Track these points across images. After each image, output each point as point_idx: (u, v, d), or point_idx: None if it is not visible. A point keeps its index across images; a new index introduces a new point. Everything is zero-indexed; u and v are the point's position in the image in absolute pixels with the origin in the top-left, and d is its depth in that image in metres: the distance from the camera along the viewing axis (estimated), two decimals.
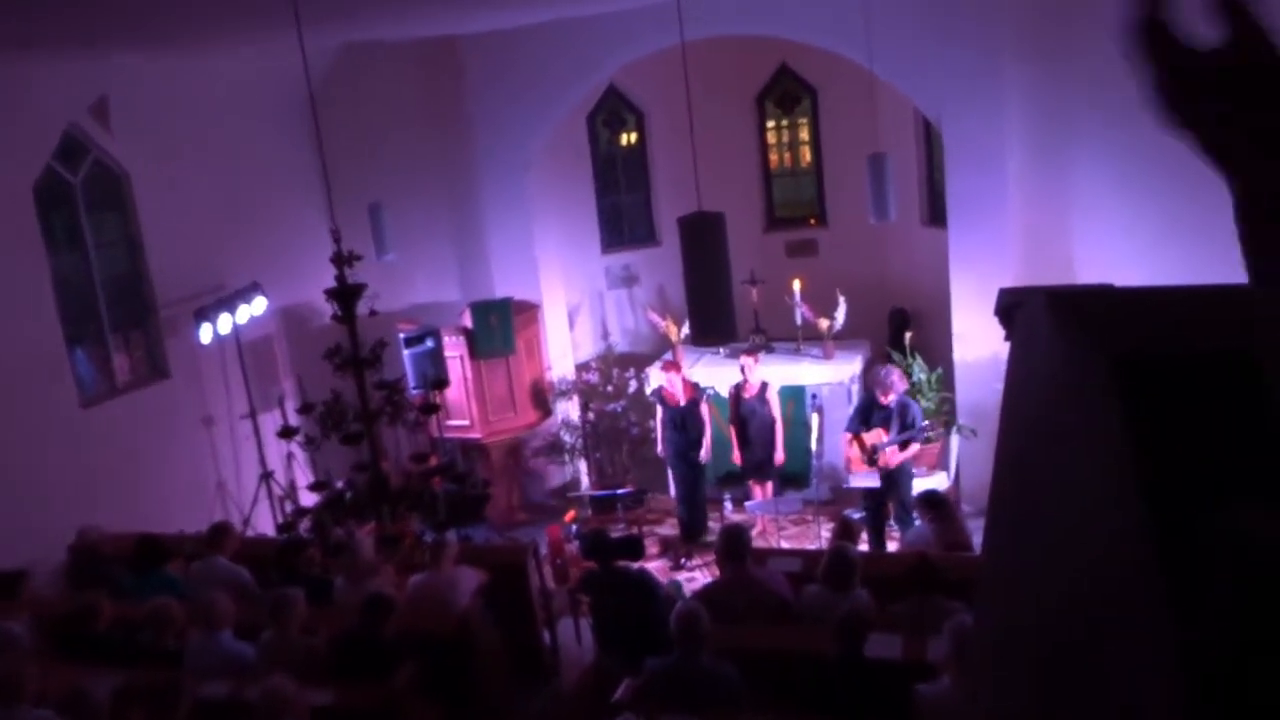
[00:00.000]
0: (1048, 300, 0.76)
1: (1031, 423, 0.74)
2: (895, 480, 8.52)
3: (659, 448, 9.61)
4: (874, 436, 8.54)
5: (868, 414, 8.60)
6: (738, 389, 9.40)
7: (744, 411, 9.33)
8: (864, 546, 8.19)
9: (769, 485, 9.46)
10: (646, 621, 6.30)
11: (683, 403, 9.25)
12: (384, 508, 5.73)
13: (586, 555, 7.35)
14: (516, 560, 7.32)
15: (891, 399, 8.39)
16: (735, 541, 6.02)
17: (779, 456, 9.29)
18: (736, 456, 9.51)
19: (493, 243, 10.59)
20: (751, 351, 9.48)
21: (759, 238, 12.06)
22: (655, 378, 9.52)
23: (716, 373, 10.13)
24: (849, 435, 8.69)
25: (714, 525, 9.72)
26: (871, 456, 8.55)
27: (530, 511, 10.62)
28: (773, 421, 9.27)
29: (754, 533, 9.41)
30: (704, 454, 9.35)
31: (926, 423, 8.69)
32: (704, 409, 9.25)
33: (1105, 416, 0.61)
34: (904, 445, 8.44)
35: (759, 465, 9.36)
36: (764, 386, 9.31)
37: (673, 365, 9.39)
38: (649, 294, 11.91)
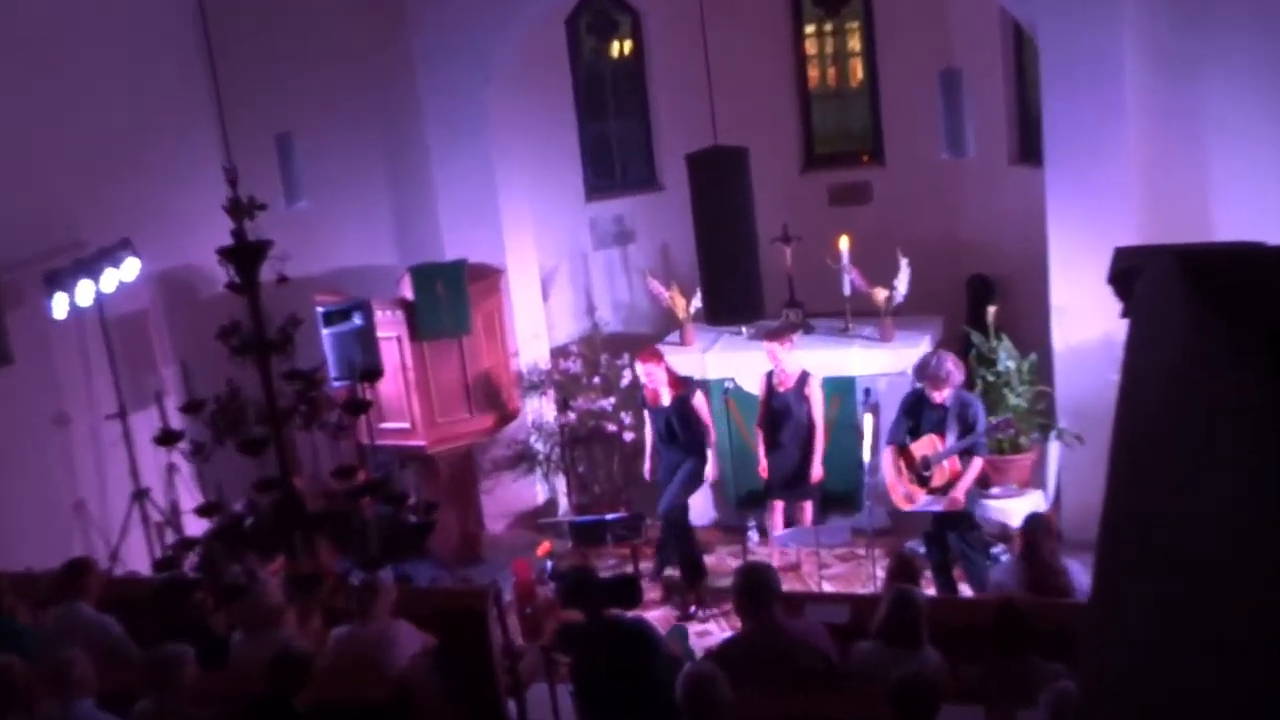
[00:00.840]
0: (1178, 264, 0.77)
1: (1157, 421, 0.75)
2: (956, 517, 8.54)
3: (646, 468, 9.64)
4: (925, 446, 8.57)
5: (915, 417, 8.63)
6: (770, 380, 9.43)
7: (776, 407, 9.36)
8: (929, 590, 8.25)
9: (807, 508, 9.49)
10: (645, 688, 6.29)
11: (665, 401, 9.25)
12: (297, 538, 5.74)
13: (566, 602, 7.33)
14: (472, 608, 7.34)
15: (947, 395, 8.41)
16: (759, 584, 6.04)
17: (817, 471, 9.32)
18: (763, 467, 9.56)
19: (441, 187, 10.58)
20: (780, 334, 9.47)
21: (794, 181, 12.04)
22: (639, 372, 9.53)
23: (737, 360, 10.13)
24: (891, 449, 8.74)
25: (734, 561, 9.75)
26: (922, 475, 8.57)
27: (491, 544, 10.62)
28: (812, 424, 9.31)
29: (778, 568, 9.48)
30: (710, 470, 9.33)
31: (994, 421, 8.67)
32: (700, 402, 9.27)
33: (1261, 411, 0.62)
34: (965, 458, 8.46)
35: (791, 480, 9.40)
36: (804, 377, 9.34)
37: (652, 355, 9.41)
38: (648, 256, 11.91)
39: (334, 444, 9.33)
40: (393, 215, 10.98)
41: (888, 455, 8.77)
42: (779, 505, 9.59)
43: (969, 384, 9.13)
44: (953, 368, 8.43)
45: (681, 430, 9.30)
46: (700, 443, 9.35)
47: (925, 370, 8.50)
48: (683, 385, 9.39)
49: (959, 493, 8.41)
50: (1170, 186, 8.87)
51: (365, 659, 6.44)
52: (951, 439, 8.40)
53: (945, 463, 8.45)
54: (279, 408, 5.80)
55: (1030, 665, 5.55)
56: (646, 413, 9.52)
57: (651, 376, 9.31)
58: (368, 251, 10.86)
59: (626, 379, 10.43)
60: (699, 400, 9.36)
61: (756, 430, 9.62)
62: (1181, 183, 8.86)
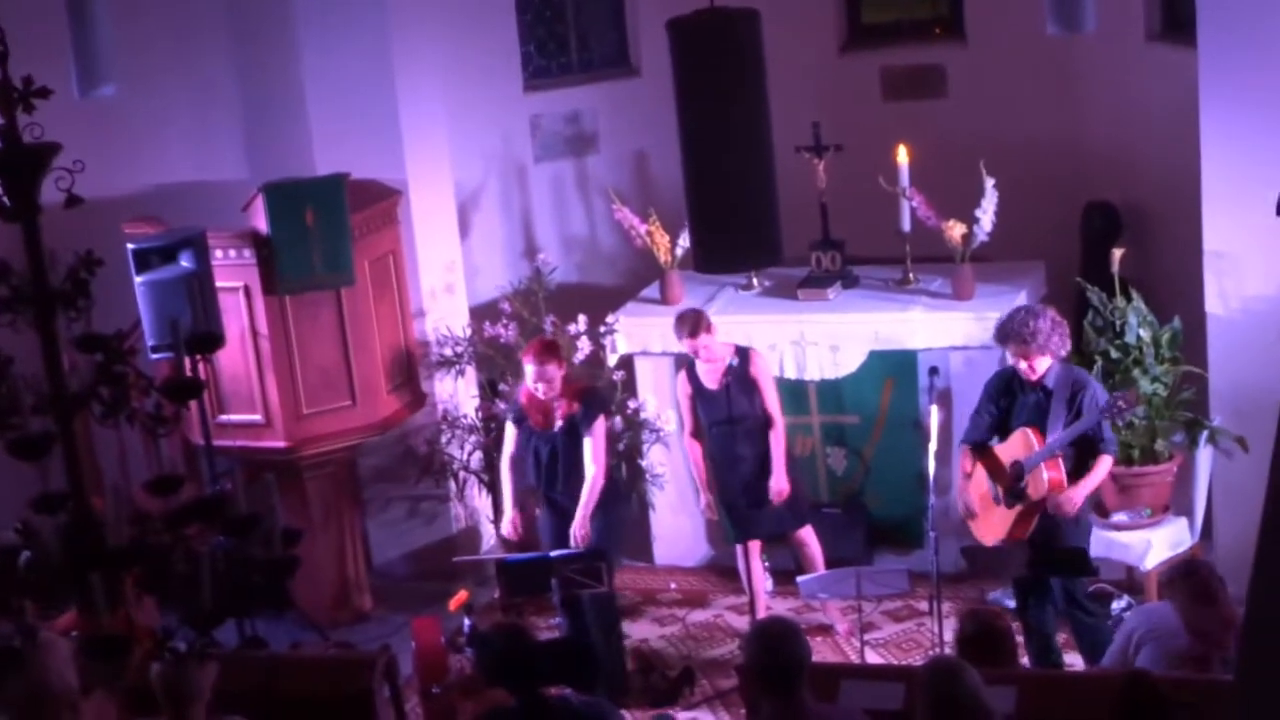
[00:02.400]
0: None
1: None
2: (1056, 533, 8.56)
3: (507, 522, 9.50)
4: (1017, 447, 8.59)
5: (1005, 407, 8.68)
6: (691, 375, 9.48)
7: (712, 411, 9.42)
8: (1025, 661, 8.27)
9: (809, 541, 9.56)
10: None
11: (559, 423, 9.13)
12: (94, 582, 5.70)
13: (492, 676, 7.31)
14: (353, 687, 7.32)
15: (1044, 369, 8.42)
16: (782, 655, 5.99)
17: (779, 483, 9.34)
18: (705, 503, 9.71)
19: (312, 69, 10.53)
20: (691, 322, 9.33)
21: (832, 63, 12.02)
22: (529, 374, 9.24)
23: (745, 326, 10.14)
24: (967, 452, 8.82)
25: (737, 618, 9.74)
26: (1014, 488, 8.58)
27: (381, 592, 10.62)
28: (768, 419, 9.38)
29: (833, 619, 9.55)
30: (577, 530, 9.08)
31: (1108, 400, 8.67)
32: (600, 429, 9.16)
33: None
34: (1080, 462, 8.49)
35: (764, 508, 9.44)
36: (743, 356, 9.36)
37: (544, 350, 9.11)
38: (615, 171, 11.88)
39: (151, 445, 9.27)
40: (241, 109, 10.92)
41: (962, 461, 8.79)
42: (755, 548, 9.57)
43: (1085, 363, 9.13)
44: (1048, 326, 8.39)
45: (564, 469, 9.16)
46: (614, 484, 9.35)
47: (1007, 329, 8.49)
48: (585, 397, 9.17)
49: (1075, 496, 8.40)
50: None
51: None
52: (1054, 435, 8.38)
53: (1045, 469, 8.42)
54: (68, 392, 5.74)
55: None
56: (515, 433, 9.32)
57: (544, 379, 9.00)
58: (203, 161, 10.81)
59: (583, 351, 10.41)
60: (600, 428, 9.23)
61: (688, 447, 9.71)
62: None
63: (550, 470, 9.22)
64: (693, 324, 9.28)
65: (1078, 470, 8.48)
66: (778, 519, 9.49)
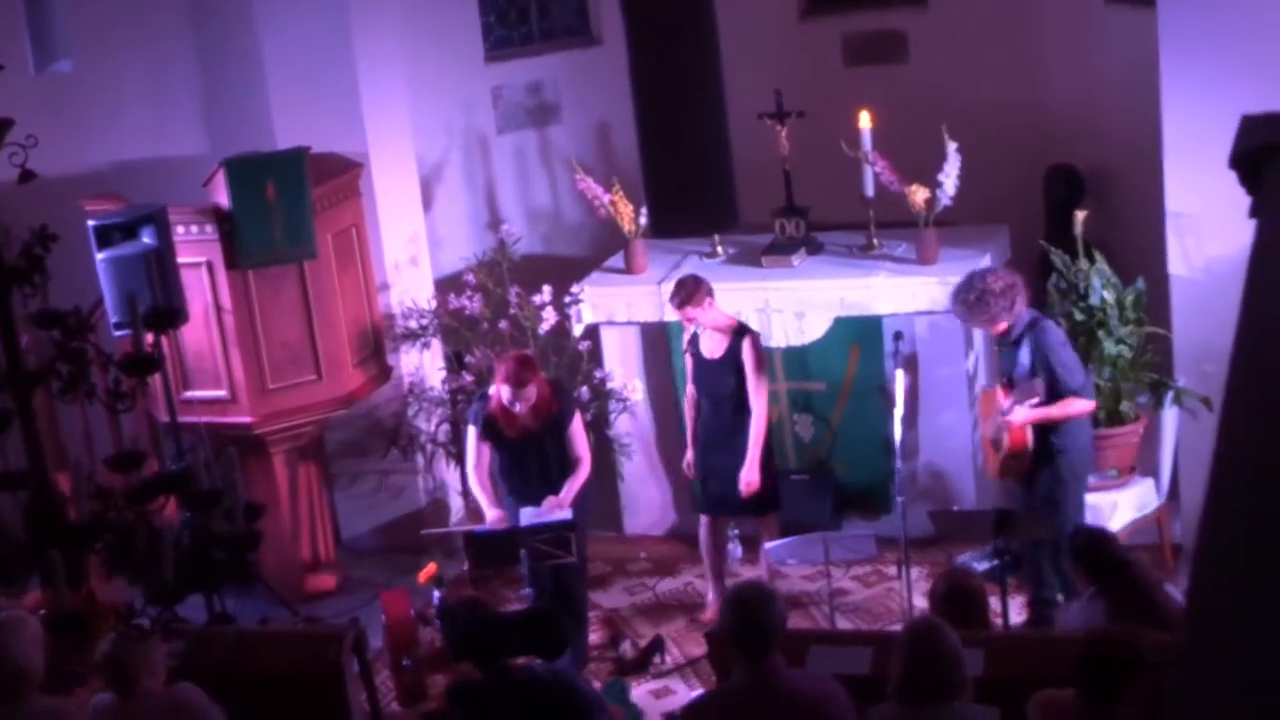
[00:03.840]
0: None
1: None
2: (1037, 489, 8.62)
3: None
4: (985, 401, 8.65)
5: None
6: (695, 346, 9.43)
7: (706, 384, 9.39)
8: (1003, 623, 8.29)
9: (770, 526, 9.56)
10: None
11: (537, 428, 8.91)
12: (55, 559, 5.67)
13: (457, 650, 7.30)
14: (321, 662, 7.33)
15: (1001, 327, 8.48)
16: (756, 619, 6.02)
17: (750, 475, 9.28)
18: (688, 463, 9.63)
19: (272, 41, 10.47)
20: (689, 292, 9.22)
21: (793, 28, 12.01)
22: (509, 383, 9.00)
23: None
24: (994, 393, 8.83)
25: (704, 585, 9.75)
26: (996, 438, 8.64)
27: (350, 566, 10.62)
28: (743, 402, 9.32)
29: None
30: (561, 498, 8.90)
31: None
32: (579, 421, 9.08)
33: None
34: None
35: (721, 492, 9.44)
36: (740, 334, 9.32)
37: (520, 370, 8.74)
38: (579, 141, 11.87)
39: (113, 421, 9.22)
40: (200, 84, 10.86)
41: (985, 402, 8.92)
42: (705, 522, 9.61)
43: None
44: (996, 290, 8.37)
45: (550, 472, 9.01)
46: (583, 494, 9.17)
47: (953, 297, 8.53)
48: (555, 396, 8.99)
49: (1016, 416, 8.41)
50: None
51: None
52: (1020, 389, 8.40)
53: (1015, 417, 8.42)
54: (25, 369, 5.70)
55: None
56: (481, 444, 9.06)
57: (511, 380, 8.74)
58: (162, 137, 10.76)
59: (548, 322, 10.38)
60: (579, 420, 9.12)
61: (688, 414, 9.64)
62: None
63: (529, 474, 9.04)
64: (684, 295, 9.22)
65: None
66: (743, 502, 9.44)
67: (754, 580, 8.92)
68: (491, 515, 8.99)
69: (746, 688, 6.03)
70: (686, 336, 9.51)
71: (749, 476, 9.26)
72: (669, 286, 9.39)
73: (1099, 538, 7.52)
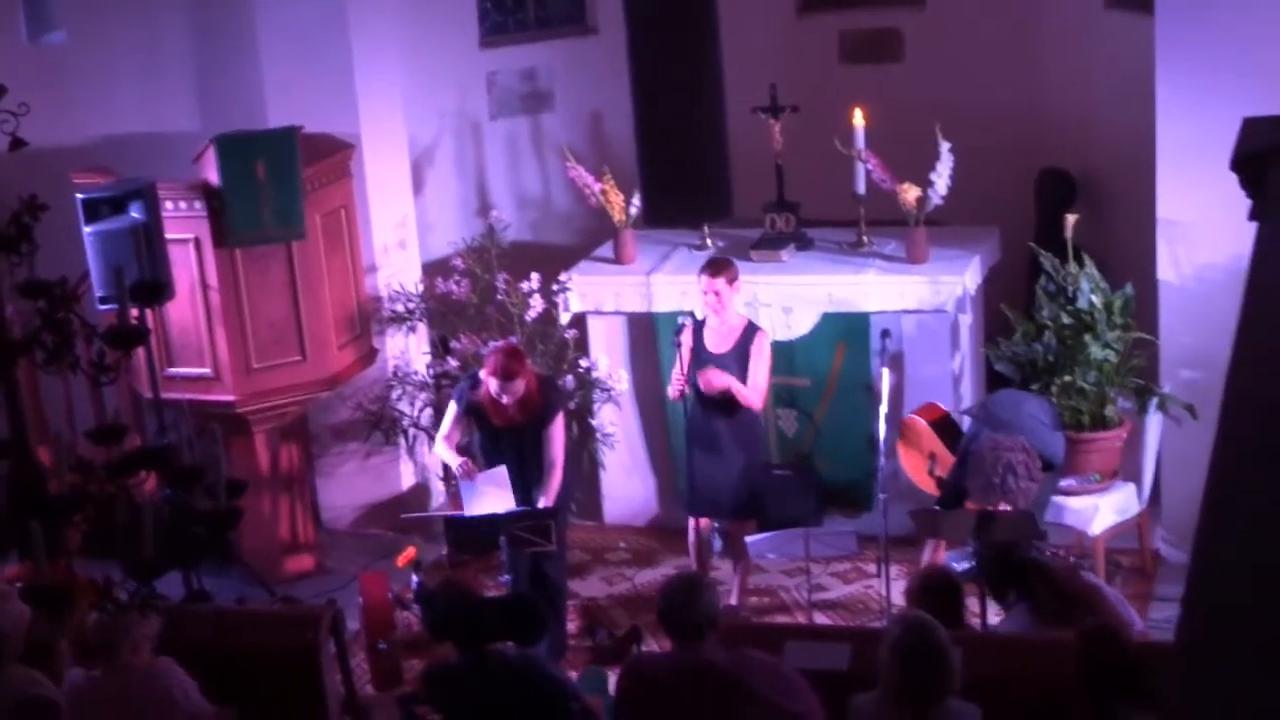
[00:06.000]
0: None
1: None
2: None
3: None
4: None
5: None
6: (699, 333, 9.33)
7: (702, 379, 9.27)
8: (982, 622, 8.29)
9: (742, 532, 9.48)
10: None
11: (522, 419, 8.85)
12: (35, 532, 5.65)
13: (437, 631, 7.29)
14: (299, 643, 7.31)
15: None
16: (682, 605, 6.19)
17: (718, 382, 9.17)
18: (676, 388, 9.33)
19: (265, 19, 10.43)
20: (723, 266, 9.25)
21: (789, 25, 11.98)
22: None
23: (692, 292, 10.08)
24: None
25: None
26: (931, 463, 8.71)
27: (329, 547, 10.61)
28: (739, 408, 9.27)
29: (736, 598, 9.53)
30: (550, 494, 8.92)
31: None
32: (560, 422, 9.00)
33: None
34: None
35: (724, 490, 9.37)
36: (750, 333, 9.28)
37: (509, 363, 8.68)
38: (571, 129, 11.84)
39: (96, 395, 9.21)
40: (194, 60, 10.84)
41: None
42: (704, 525, 9.57)
43: (1036, 331, 9.20)
44: (1024, 477, 8.14)
45: (526, 465, 8.96)
46: (566, 490, 9.17)
47: (986, 485, 8.19)
48: (545, 390, 8.97)
49: None
50: None
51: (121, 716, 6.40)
52: None
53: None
54: (10, 338, 5.68)
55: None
56: (460, 421, 9.07)
57: (498, 373, 8.69)
58: (154, 112, 10.74)
59: (535, 309, 10.36)
60: (560, 420, 9.05)
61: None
62: None
63: (508, 462, 8.98)
64: (718, 265, 9.24)
65: None
66: (729, 505, 9.42)
67: (689, 571, 8.90)
68: (456, 463, 9.00)
69: (675, 663, 6.21)
70: (686, 327, 9.29)
71: (721, 379, 9.12)
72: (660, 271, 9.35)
73: (1002, 551, 7.58)
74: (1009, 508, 8.19)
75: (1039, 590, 7.09)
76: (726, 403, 9.23)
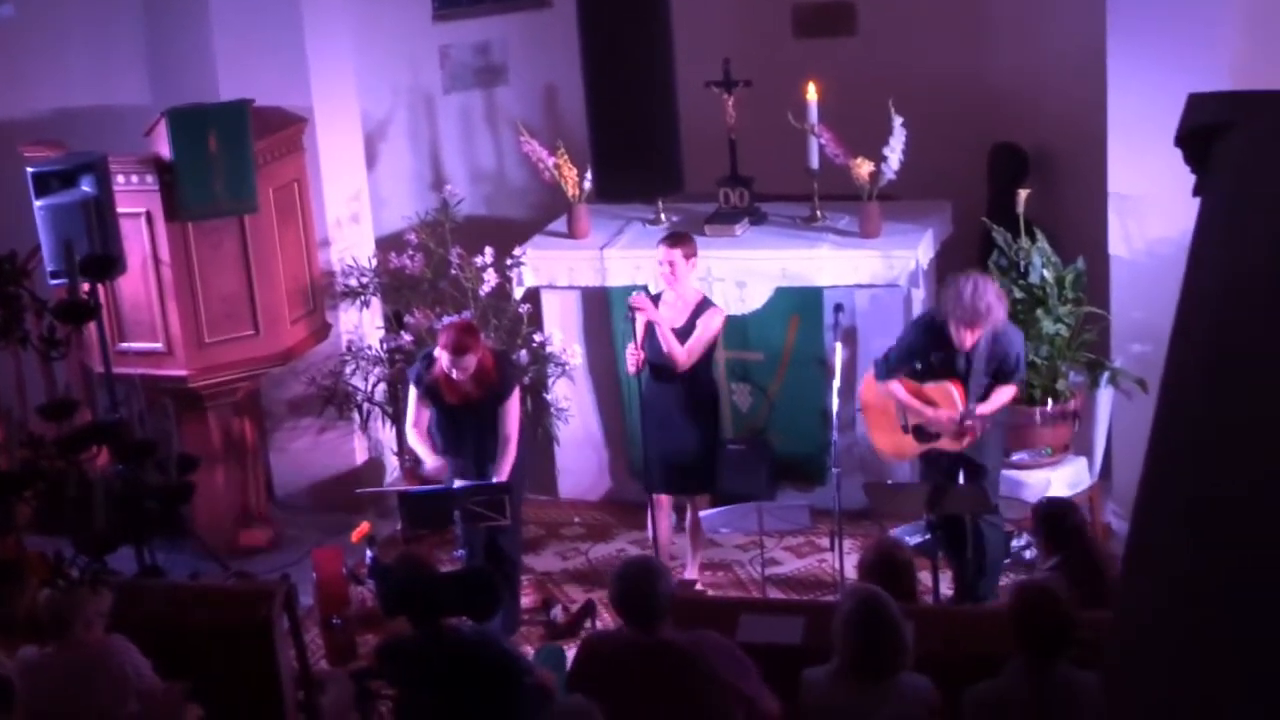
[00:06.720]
0: None
1: (1241, 327, 0.70)
2: (972, 464, 8.74)
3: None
4: (941, 395, 8.67)
5: (923, 355, 8.75)
6: (654, 299, 9.32)
7: (657, 354, 9.26)
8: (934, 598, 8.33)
9: (698, 507, 9.56)
10: None
11: (478, 396, 8.87)
12: None
13: (390, 608, 7.29)
14: (252, 617, 7.32)
15: (980, 337, 8.50)
16: (639, 593, 6.24)
17: (674, 349, 9.19)
18: (634, 362, 9.34)
19: None
20: (682, 239, 9.33)
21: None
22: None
23: (652, 260, 10.04)
24: (887, 389, 8.85)
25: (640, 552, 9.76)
26: (922, 431, 8.71)
27: (283, 523, 10.61)
28: (692, 372, 9.28)
29: (687, 571, 9.60)
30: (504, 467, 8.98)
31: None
32: (516, 398, 9.04)
33: None
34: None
35: (682, 465, 9.39)
36: (702, 308, 9.29)
37: (461, 338, 8.72)
38: (525, 103, 11.84)
39: (47, 370, 9.16)
40: (145, 33, 10.80)
41: (893, 392, 8.84)
42: (665, 501, 9.59)
43: None
44: (996, 301, 8.41)
45: (484, 440, 8.99)
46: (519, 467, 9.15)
47: (958, 304, 8.42)
48: (500, 366, 8.95)
49: (979, 419, 8.56)
50: None
51: (68, 701, 6.38)
52: (974, 393, 8.49)
53: (973, 419, 8.54)
54: None
55: (1062, 678, 5.73)
56: (421, 404, 9.06)
57: (465, 370, 8.71)
58: (105, 86, 10.69)
59: (489, 284, 10.36)
60: (516, 397, 9.07)
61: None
62: None
63: (465, 438, 9.04)
64: (677, 237, 9.33)
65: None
66: (684, 479, 9.46)
67: (642, 556, 8.92)
68: (431, 462, 9.06)
69: (632, 642, 6.26)
70: (641, 299, 9.23)
71: (639, 303, 9.11)
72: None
73: (1064, 507, 7.60)
74: (981, 332, 8.43)
75: (1075, 557, 7.12)
76: (680, 376, 9.23)
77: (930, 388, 8.68)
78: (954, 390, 8.57)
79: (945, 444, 8.66)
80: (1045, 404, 9.64)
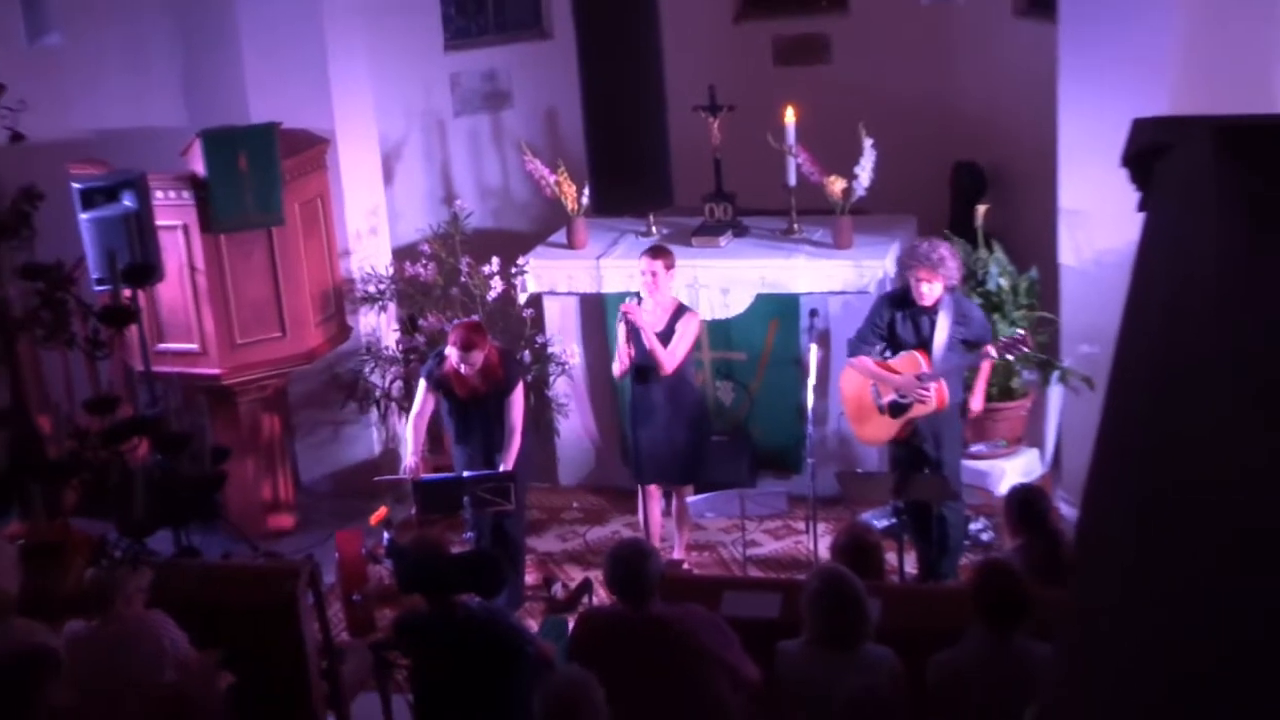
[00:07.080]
0: (1217, 138, 0.72)
1: (1184, 334, 0.70)
2: (932, 446, 8.70)
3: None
4: (905, 365, 8.65)
5: (888, 322, 8.74)
6: (639, 302, 9.27)
7: (642, 359, 9.19)
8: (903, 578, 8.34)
9: (684, 494, 9.52)
10: (503, 700, 6.40)
11: (485, 391, 8.88)
12: (34, 493, 5.63)
13: (405, 586, 7.28)
14: (279, 594, 7.27)
15: (939, 294, 8.48)
16: (631, 573, 6.25)
17: (656, 343, 9.12)
18: (619, 369, 9.31)
19: (247, 22, 10.36)
20: (662, 251, 9.28)
21: (727, 31, 12.00)
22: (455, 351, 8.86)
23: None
24: (866, 360, 8.82)
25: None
26: (897, 402, 8.67)
27: (307, 508, 10.60)
28: (675, 374, 9.23)
29: (675, 552, 9.58)
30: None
31: (1006, 339, 8.74)
32: (520, 393, 8.99)
33: None
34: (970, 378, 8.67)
35: (667, 459, 9.34)
36: (678, 313, 9.23)
37: (470, 335, 8.73)
38: (528, 125, 11.82)
39: (92, 369, 9.16)
40: (181, 60, 10.75)
41: (860, 364, 8.81)
42: (655, 493, 9.53)
43: None
44: (949, 255, 8.48)
45: (491, 431, 8.97)
46: (526, 457, 9.11)
47: (913, 255, 8.49)
48: (505, 363, 8.94)
49: (976, 402, 8.71)
50: (1224, 50, 8.93)
51: (110, 671, 6.37)
52: (940, 356, 8.43)
53: (934, 387, 8.49)
54: (12, 316, 5.65)
55: (1020, 651, 5.72)
56: (429, 396, 9.06)
57: (461, 344, 8.68)
58: (144, 109, 10.64)
59: (496, 290, 10.37)
60: (520, 392, 9.02)
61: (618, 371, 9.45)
62: (1239, 45, 8.93)
63: (474, 429, 9.03)
64: (657, 250, 9.26)
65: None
66: (671, 471, 9.41)
67: (634, 538, 8.95)
68: (407, 462, 9.07)
69: (626, 617, 6.27)
70: (631, 306, 9.18)
71: (634, 316, 9.03)
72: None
73: (1036, 493, 7.57)
74: (939, 283, 8.43)
75: (1039, 541, 7.11)
76: (663, 378, 9.21)
77: (895, 360, 8.69)
78: (919, 356, 8.56)
79: (919, 410, 8.59)
80: (1000, 400, 9.69)
